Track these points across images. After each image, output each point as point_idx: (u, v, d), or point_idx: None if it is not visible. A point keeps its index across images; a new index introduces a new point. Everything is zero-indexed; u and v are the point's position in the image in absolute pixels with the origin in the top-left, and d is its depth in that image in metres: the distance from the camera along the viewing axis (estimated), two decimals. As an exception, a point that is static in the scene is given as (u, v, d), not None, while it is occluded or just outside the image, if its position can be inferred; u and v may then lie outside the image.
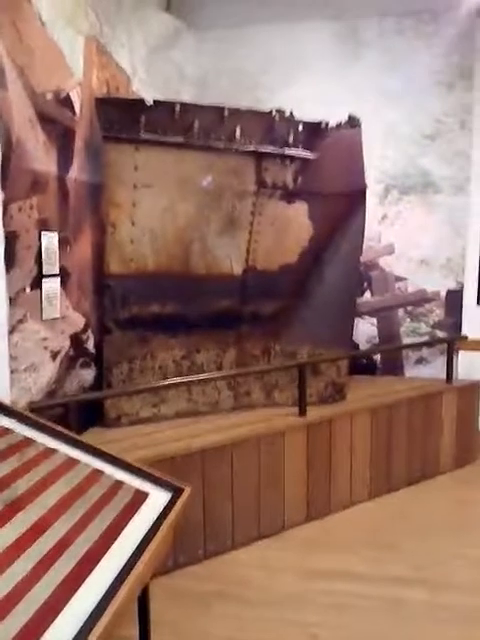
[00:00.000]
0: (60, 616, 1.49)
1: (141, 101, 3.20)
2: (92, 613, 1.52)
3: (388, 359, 4.90)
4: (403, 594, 2.88)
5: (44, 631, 1.42)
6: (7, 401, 2.53)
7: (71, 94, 3.10)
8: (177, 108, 3.17)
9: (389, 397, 4.17)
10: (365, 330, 4.89)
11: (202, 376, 3.57)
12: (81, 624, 1.47)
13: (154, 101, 3.18)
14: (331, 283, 3.89)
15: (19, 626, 1.40)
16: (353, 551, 3.31)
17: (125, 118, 3.16)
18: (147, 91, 4.06)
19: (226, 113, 3.24)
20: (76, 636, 1.42)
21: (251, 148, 3.35)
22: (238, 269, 3.61)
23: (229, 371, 3.73)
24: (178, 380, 3.47)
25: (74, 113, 3.14)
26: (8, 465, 2.07)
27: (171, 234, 3.41)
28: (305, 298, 3.84)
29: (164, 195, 3.33)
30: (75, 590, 1.60)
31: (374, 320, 4.87)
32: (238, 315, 3.70)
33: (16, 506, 1.88)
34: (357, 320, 4.73)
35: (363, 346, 4.88)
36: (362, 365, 4.84)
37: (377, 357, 4.91)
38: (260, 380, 3.84)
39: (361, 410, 3.93)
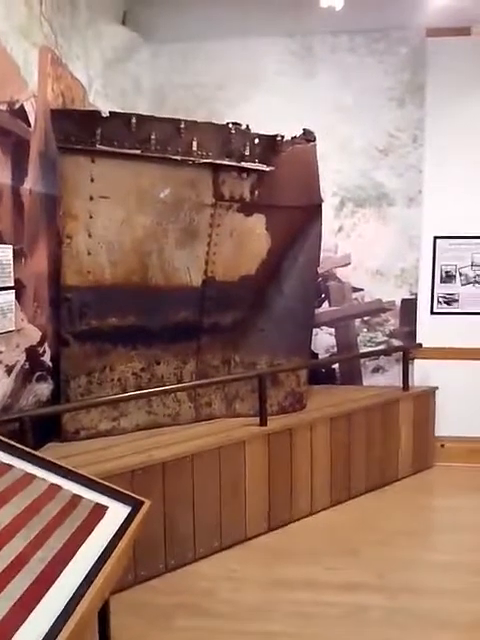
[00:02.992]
0: (15, 637, 1.45)
1: (97, 112, 3.20)
2: (49, 632, 1.49)
3: (346, 368, 4.97)
4: (365, 601, 2.91)
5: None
6: (-40, 417, 2.46)
7: (25, 105, 3.06)
8: (133, 120, 3.17)
9: (347, 405, 4.23)
10: (324, 340, 4.95)
11: (162, 388, 3.55)
12: (38, 643, 1.44)
13: (110, 112, 3.17)
14: (289, 294, 3.94)
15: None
16: (315, 559, 3.33)
17: (81, 129, 3.14)
18: (103, 103, 4.05)
19: (183, 125, 3.25)
20: (32, 655, 1.39)
21: (208, 160, 3.38)
22: (197, 280, 3.62)
23: (189, 382, 3.71)
24: (138, 393, 3.45)
25: (29, 124, 3.10)
26: (-39, 482, 2.02)
27: (129, 246, 3.40)
28: (264, 309, 3.88)
29: (121, 206, 3.32)
30: (31, 610, 1.56)
31: (332, 330, 4.95)
32: (198, 326, 3.70)
33: (-31, 526, 1.82)
34: (316, 330, 4.79)
35: (322, 356, 4.94)
36: (321, 375, 4.90)
37: (336, 366, 4.98)
38: (221, 391, 3.85)
39: (321, 419, 3.98)
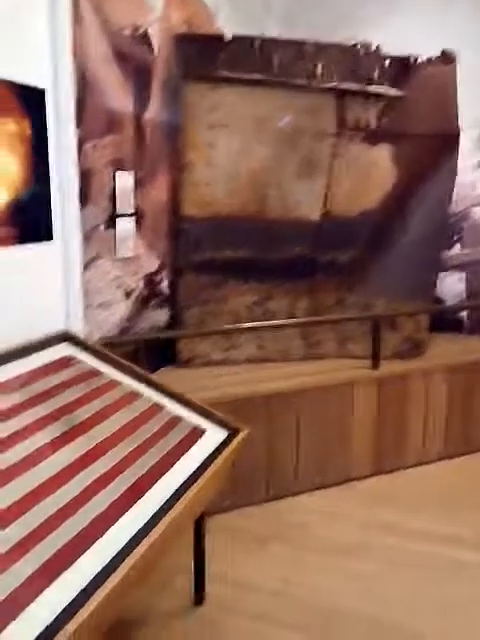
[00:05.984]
0: (105, 535, 1.57)
1: (219, 37, 3.11)
2: (134, 537, 1.59)
3: (476, 317, 4.62)
4: (463, 557, 2.79)
5: (88, 547, 1.51)
6: (81, 335, 2.63)
7: (149, 31, 3.05)
8: (256, 43, 3.05)
9: (471, 356, 3.95)
10: (453, 285, 4.62)
11: (273, 323, 3.54)
12: (122, 545, 1.55)
13: (233, 36, 3.07)
14: (415, 232, 3.68)
15: (64, 541, 1.49)
16: (418, 509, 3.23)
17: (203, 55, 3.09)
18: (232, 28, 3.92)
19: (306, 47, 3.07)
20: (114, 557, 1.49)
21: (332, 85, 3.18)
22: (314, 215, 3.49)
23: (300, 319, 3.66)
24: (248, 325, 3.47)
25: (152, 51, 3.10)
26: (74, 392, 2.18)
27: (246, 177, 3.34)
28: (385, 247, 3.67)
29: (240, 136, 3.25)
30: (122, 514, 1.68)
31: (463, 275, 4.59)
32: (313, 263, 3.60)
33: (76, 431, 1.97)
34: (445, 274, 4.47)
35: (451, 302, 4.62)
36: (447, 322, 4.59)
37: (464, 314, 4.64)
38: (333, 330, 3.75)
39: (439, 367, 3.76)
